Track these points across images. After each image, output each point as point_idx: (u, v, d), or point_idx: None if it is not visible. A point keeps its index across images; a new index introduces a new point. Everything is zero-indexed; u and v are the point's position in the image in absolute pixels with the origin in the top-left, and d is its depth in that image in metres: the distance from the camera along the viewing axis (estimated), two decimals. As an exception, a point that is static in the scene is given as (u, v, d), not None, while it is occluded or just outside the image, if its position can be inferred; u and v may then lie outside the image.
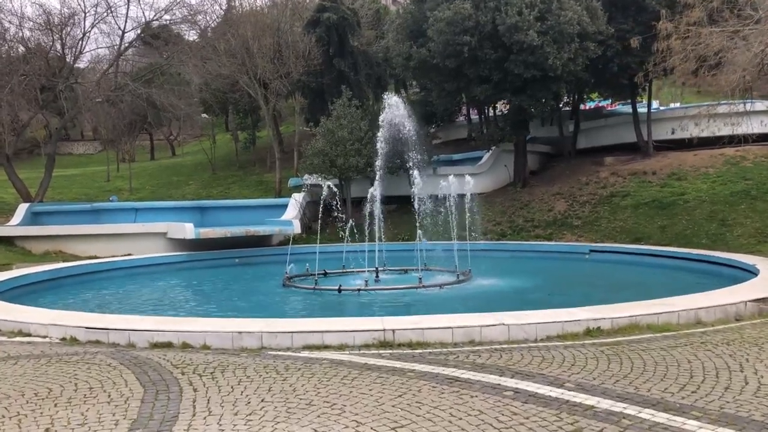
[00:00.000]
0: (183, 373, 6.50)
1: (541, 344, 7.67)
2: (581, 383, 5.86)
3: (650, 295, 11.83)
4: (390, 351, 7.41)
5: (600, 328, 8.26)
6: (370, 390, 5.75)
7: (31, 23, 29.58)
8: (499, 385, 5.85)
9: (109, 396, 5.73)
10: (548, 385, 5.83)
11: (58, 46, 29.30)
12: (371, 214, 16.81)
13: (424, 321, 8.12)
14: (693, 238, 20.84)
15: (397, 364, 6.70)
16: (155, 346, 8.05)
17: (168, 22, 33.45)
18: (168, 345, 8.06)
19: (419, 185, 16.91)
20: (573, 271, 18.95)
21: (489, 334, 7.86)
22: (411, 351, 7.40)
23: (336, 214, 20.91)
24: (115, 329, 8.34)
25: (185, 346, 7.98)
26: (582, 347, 7.40)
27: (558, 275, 17.92)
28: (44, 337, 8.71)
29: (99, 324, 8.57)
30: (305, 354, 7.37)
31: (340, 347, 7.68)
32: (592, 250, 21.29)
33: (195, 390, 5.89)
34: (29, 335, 8.84)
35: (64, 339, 8.56)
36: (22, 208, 26.01)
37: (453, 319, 8.19)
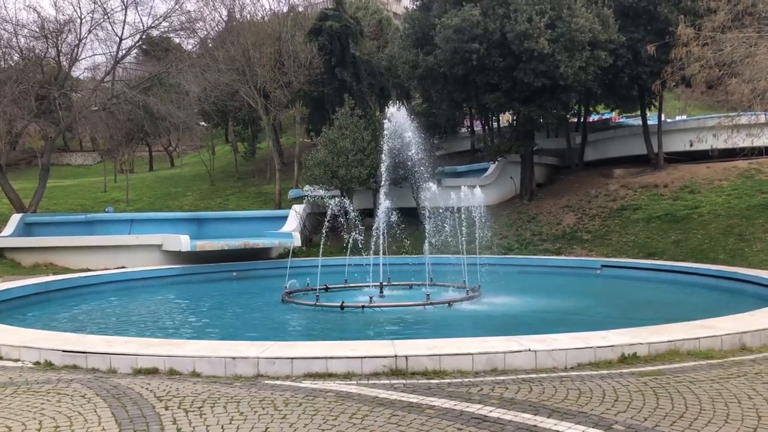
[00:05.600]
0: (167, 408, 5.64)
1: (573, 373, 6.80)
2: (632, 425, 5.00)
3: (677, 315, 11.04)
4: (403, 381, 6.54)
5: (636, 355, 7.39)
6: (385, 433, 4.90)
7: (26, 30, 28.89)
8: (535, 426, 4.98)
9: (77, 438, 4.87)
10: (593, 427, 4.97)
11: (53, 53, 28.58)
12: (377, 226, 15.98)
13: (441, 346, 7.25)
14: (710, 253, 19.99)
15: (413, 399, 5.83)
16: (139, 372, 7.19)
17: (166, 29, 32.79)
18: (153, 371, 7.19)
19: (432, 197, 16.14)
20: (586, 288, 18.06)
21: (514, 361, 6.99)
22: (427, 381, 6.52)
23: (341, 225, 20.13)
24: (95, 353, 7.46)
25: (172, 373, 7.11)
26: (621, 378, 6.53)
27: (571, 292, 17.04)
28: (16, 360, 7.83)
29: (77, 347, 7.69)
30: (307, 384, 6.49)
31: (347, 375, 6.80)
32: (603, 266, 20.47)
33: (179, 430, 5.04)
34: (0, 358, 7.97)
35: (38, 363, 7.68)
36: (15, 219, 25.19)
37: (473, 344, 7.32)
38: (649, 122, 29.98)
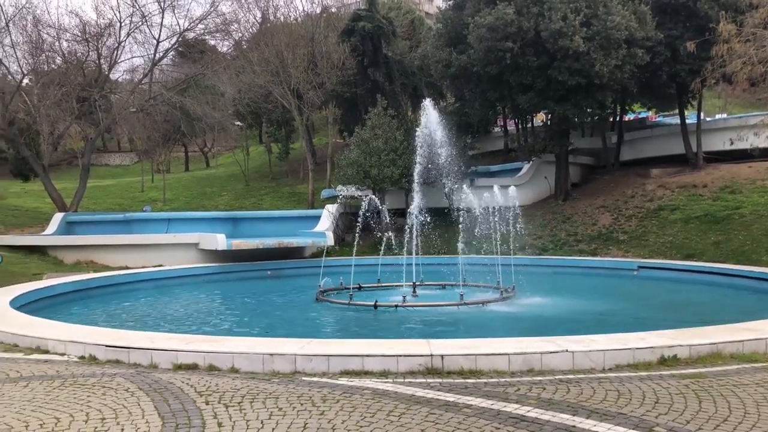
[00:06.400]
0: (207, 403, 5.75)
1: (611, 375, 6.71)
2: (674, 428, 4.92)
3: (717, 317, 10.83)
4: (439, 380, 6.54)
5: (676, 357, 7.26)
6: (423, 430, 4.91)
7: (68, 34, 29.68)
8: (574, 427, 4.94)
9: (123, 430, 5.00)
10: (634, 428, 4.91)
11: (94, 56, 29.33)
12: (410, 226, 15.98)
13: (477, 345, 7.24)
14: (752, 254, 19.49)
15: (450, 397, 5.84)
16: (179, 367, 7.33)
17: (202, 31, 33.34)
18: (193, 367, 7.33)
19: (465, 197, 16.09)
20: (622, 289, 17.80)
21: (551, 361, 6.94)
22: (463, 380, 6.52)
23: (374, 225, 20.22)
24: (137, 348, 7.64)
25: (212, 369, 7.24)
26: (660, 380, 6.43)
27: (607, 293, 16.82)
28: (62, 354, 8.07)
29: (120, 342, 7.89)
30: (344, 381, 6.55)
31: (383, 374, 6.83)
32: (640, 267, 20.14)
33: (220, 425, 5.13)
34: (47, 352, 8.22)
35: (82, 357, 7.90)
36: (57, 218, 25.90)
37: (509, 344, 7.29)
38: (687, 121, 29.36)
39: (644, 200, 26.03)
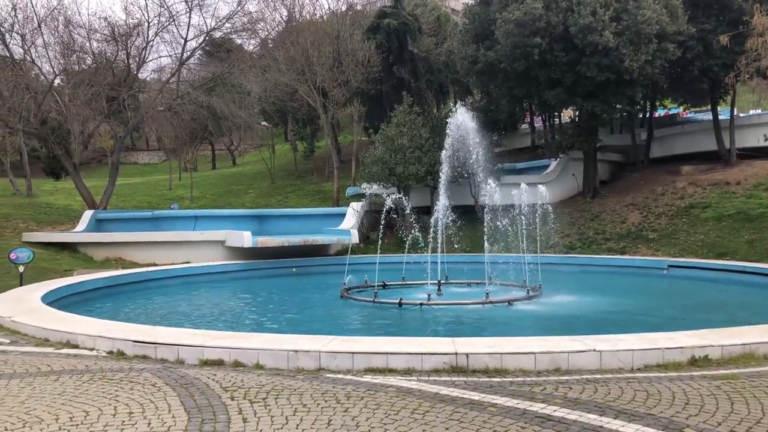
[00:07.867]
0: (232, 399, 5.78)
1: (639, 375, 6.58)
2: (705, 429, 4.80)
3: (750, 318, 10.57)
4: (464, 378, 6.49)
5: (708, 357, 7.10)
6: (447, 429, 4.87)
7: (98, 35, 30.17)
8: (602, 427, 4.85)
9: (149, 424, 5.05)
10: (663, 429, 4.80)
11: (123, 56, 29.76)
12: (435, 224, 15.92)
13: (502, 344, 7.16)
14: (787, 253, 19.00)
15: (475, 396, 5.78)
16: (205, 363, 7.39)
17: (229, 30, 33.59)
18: (219, 363, 7.38)
19: (491, 194, 15.95)
20: (652, 288, 17.50)
21: (578, 361, 6.83)
22: (488, 379, 6.45)
23: (397, 224, 20.18)
24: (164, 344, 7.73)
25: (237, 365, 7.29)
26: (691, 380, 6.29)
27: (636, 292, 16.54)
28: (91, 349, 8.20)
29: (147, 338, 7.99)
30: (368, 378, 6.53)
31: (407, 371, 6.80)
32: (670, 266, 19.78)
33: (245, 420, 5.16)
34: (77, 347, 8.35)
35: (111, 352, 8.02)
36: (87, 215, 26.31)
37: (535, 343, 7.19)
38: (719, 117, 28.73)
39: (674, 198, 25.56)
